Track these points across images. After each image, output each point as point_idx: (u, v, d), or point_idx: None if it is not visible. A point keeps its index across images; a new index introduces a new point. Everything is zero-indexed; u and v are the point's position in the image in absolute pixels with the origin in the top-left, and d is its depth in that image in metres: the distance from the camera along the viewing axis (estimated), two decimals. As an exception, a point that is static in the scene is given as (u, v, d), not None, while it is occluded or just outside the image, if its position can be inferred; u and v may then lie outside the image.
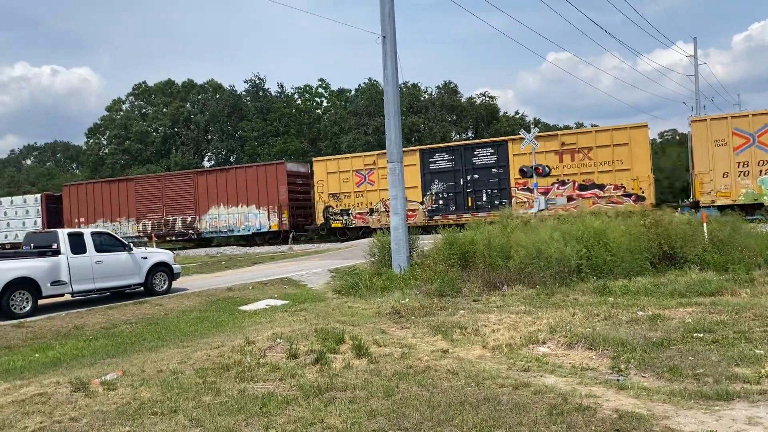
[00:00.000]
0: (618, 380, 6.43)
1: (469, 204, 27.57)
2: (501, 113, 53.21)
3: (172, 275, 15.93)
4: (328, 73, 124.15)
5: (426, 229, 24.03)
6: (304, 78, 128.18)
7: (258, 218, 31.82)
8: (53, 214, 37.49)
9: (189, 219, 33.67)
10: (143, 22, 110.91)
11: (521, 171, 23.39)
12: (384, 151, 27.61)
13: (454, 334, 9.02)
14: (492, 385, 6.35)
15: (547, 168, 22.89)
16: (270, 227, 31.48)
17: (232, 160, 52.55)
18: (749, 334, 7.59)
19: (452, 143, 30.17)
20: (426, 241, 17.31)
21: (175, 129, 54.70)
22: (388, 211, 26.63)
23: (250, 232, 32.12)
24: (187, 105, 55.75)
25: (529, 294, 12.04)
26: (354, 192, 29.76)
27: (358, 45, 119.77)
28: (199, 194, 33.29)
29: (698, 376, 6.21)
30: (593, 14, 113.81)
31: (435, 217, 27.91)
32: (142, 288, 15.34)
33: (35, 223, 37.61)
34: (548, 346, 8.06)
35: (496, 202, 26.59)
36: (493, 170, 27.16)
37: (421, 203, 28.37)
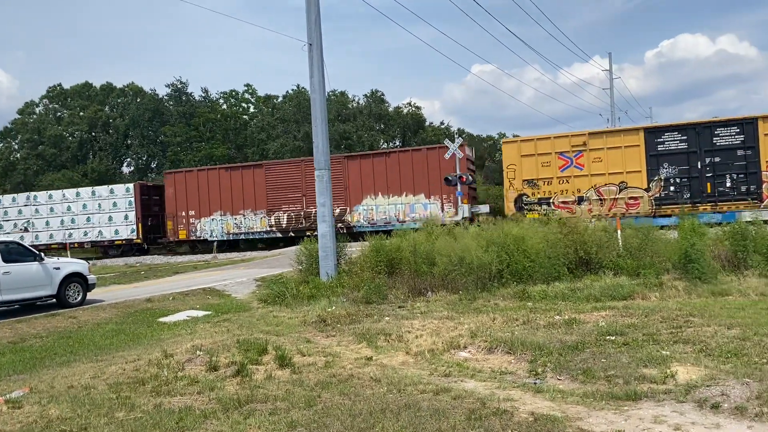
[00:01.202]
0: (535, 383, 6.62)
1: (708, 190, 23.93)
2: (427, 123, 54.01)
3: (87, 286, 15.24)
4: (255, 79, 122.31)
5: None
6: (229, 83, 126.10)
7: (428, 209, 27.23)
8: (148, 207, 32.51)
9: (337, 211, 27.75)
10: (59, 21, 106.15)
11: (446, 180, 23.78)
12: (597, 130, 26.03)
13: (378, 341, 9.05)
14: (413, 392, 6.41)
15: (470, 177, 23.35)
16: (445, 219, 26.95)
17: (153, 166, 50.95)
18: (657, 336, 7.97)
19: (684, 122, 25.26)
20: (354, 249, 17.32)
21: (93, 134, 52.54)
22: (601, 199, 24.77)
23: (417, 226, 29.35)
24: (106, 109, 53.67)
25: (452, 299, 12.25)
26: (557, 177, 25.67)
27: (286, 51, 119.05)
28: (351, 182, 28.57)
29: (610, 378, 6.46)
30: (516, 28, 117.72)
31: (664, 206, 24.34)
32: (54, 300, 14.59)
33: (126, 217, 31.96)
34: (469, 351, 8.22)
35: (743, 189, 23.43)
36: (738, 152, 23.60)
37: (646, 190, 24.64)
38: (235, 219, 30.25)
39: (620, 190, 24.75)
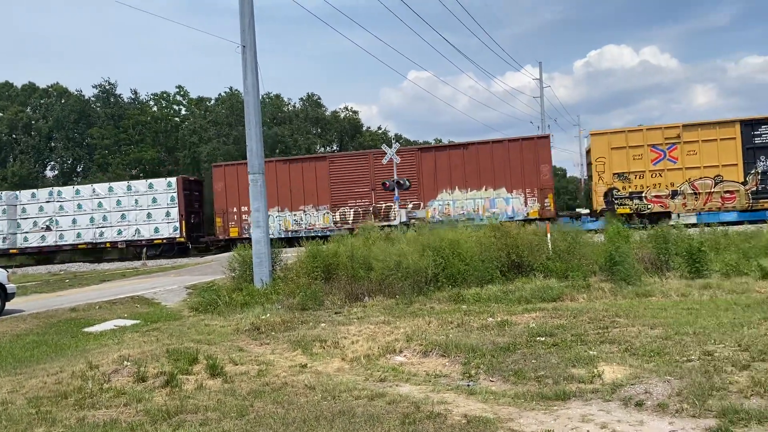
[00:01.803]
0: (468, 386, 6.70)
1: None
2: (365, 128, 54.14)
3: (6, 296, 14.47)
4: (187, 81, 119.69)
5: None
6: (160, 85, 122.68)
7: (510, 203, 26.31)
8: (190, 203, 30.33)
9: (410, 206, 27.15)
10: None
11: (383, 185, 23.86)
12: (692, 122, 25.38)
13: (314, 347, 8.97)
14: (348, 398, 6.36)
15: (407, 182, 23.52)
16: (528, 214, 26.10)
17: (79, 169, 48.93)
18: (585, 337, 8.21)
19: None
20: (289, 254, 17.13)
21: (13, 136, 50.00)
22: (696, 193, 24.35)
23: (498, 221, 27.63)
24: (28, 110, 51.20)
25: (389, 304, 12.28)
26: (649, 171, 25.06)
27: (219, 53, 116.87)
28: (424, 176, 27.27)
29: (540, 378, 6.61)
30: (451, 36, 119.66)
31: (761, 200, 24.08)
32: (-32, 311, 13.79)
33: (167, 214, 29.31)
34: (405, 355, 8.24)
35: None
36: None
37: (743, 183, 24.40)
38: (294, 215, 28.45)
39: (716, 184, 24.71)
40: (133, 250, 30.59)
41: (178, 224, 29.40)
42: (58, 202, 30.80)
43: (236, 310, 12.94)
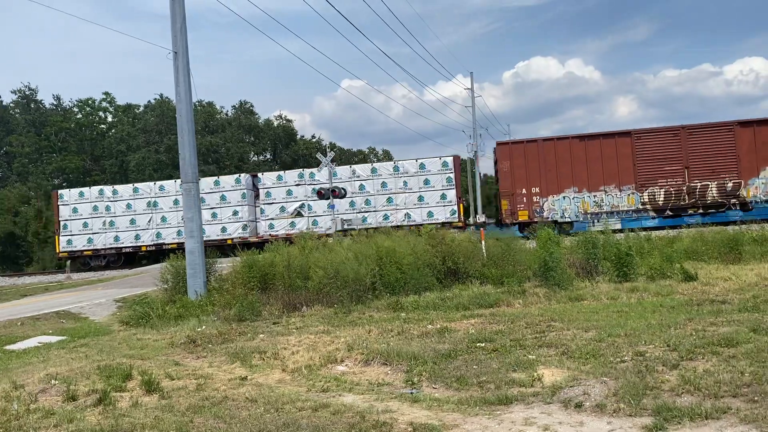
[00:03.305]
0: (412, 393, 6.72)
1: None
2: (299, 136, 53.77)
3: None
4: (114, 88, 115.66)
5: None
6: (85, 91, 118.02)
7: None
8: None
9: (729, 185, 24.75)
10: None
11: (318, 193, 23.76)
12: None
13: (253, 359, 8.79)
14: (292, 410, 6.26)
15: (343, 190, 23.50)
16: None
17: (-3, 178, 46.55)
18: (523, 342, 8.39)
19: None
20: (224, 265, 16.77)
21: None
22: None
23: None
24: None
25: (328, 313, 12.20)
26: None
27: (149, 59, 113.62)
28: (743, 151, 24.98)
29: (482, 384, 6.70)
30: (384, 46, 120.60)
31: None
32: None
33: (443, 196, 26.41)
34: (346, 365, 8.19)
35: None
36: None
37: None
38: (594, 196, 25.82)
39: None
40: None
41: (456, 207, 26.77)
42: (310, 185, 28.04)
43: (170, 323, 12.55)
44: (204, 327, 11.46)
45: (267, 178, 28.12)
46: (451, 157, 26.98)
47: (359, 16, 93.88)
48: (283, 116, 52.94)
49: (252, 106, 51.47)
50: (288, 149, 49.84)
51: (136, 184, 29.46)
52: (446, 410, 6.00)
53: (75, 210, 28.83)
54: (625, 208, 25.43)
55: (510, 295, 12.40)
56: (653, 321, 8.90)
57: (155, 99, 48.13)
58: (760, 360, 6.29)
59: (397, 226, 25.07)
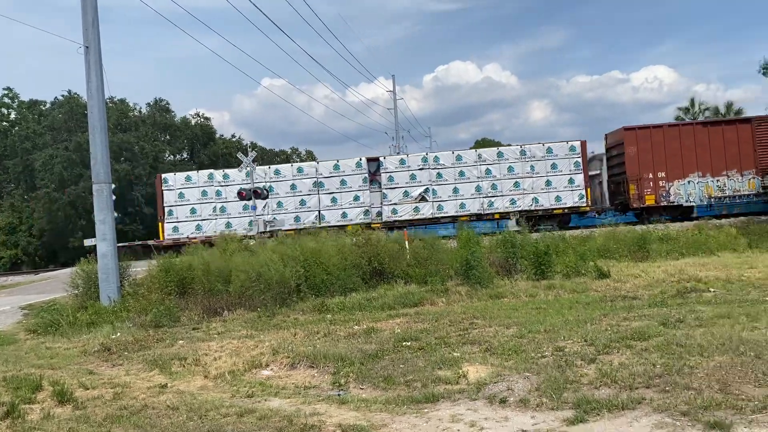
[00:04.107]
0: (339, 395, 6.68)
1: None
2: (218, 135, 52.47)
3: None
4: (18, 83, 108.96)
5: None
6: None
7: None
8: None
9: None
10: None
11: (239, 194, 23.29)
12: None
13: (173, 366, 8.51)
14: (216, 416, 6.09)
15: (265, 191, 23.13)
16: None
17: None
18: (448, 339, 8.51)
19: None
20: (139, 269, 16.12)
21: None
22: None
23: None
24: None
25: (250, 317, 11.97)
26: None
27: (57, 53, 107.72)
28: None
29: (409, 383, 6.74)
30: (306, 45, 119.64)
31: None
32: None
33: (571, 181, 25.89)
34: (272, 369, 8.06)
35: None
36: None
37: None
38: (717, 181, 25.86)
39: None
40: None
41: (583, 191, 26.43)
42: (434, 169, 26.81)
43: (82, 330, 11.96)
44: (119, 334, 10.98)
45: (389, 162, 27.50)
46: (579, 142, 26.99)
47: (280, 14, 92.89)
48: (200, 114, 51.52)
49: (168, 103, 49.78)
50: (206, 149, 48.50)
51: (248, 168, 28.01)
52: (374, 410, 5.99)
53: (181, 195, 26.97)
54: (746, 192, 26.00)
55: (434, 293, 12.57)
56: (570, 317, 9.23)
57: (63, 95, 45.70)
58: (670, 352, 6.64)
59: (522, 211, 25.89)
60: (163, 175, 27.25)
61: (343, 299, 12.59)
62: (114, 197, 15.71)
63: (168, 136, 48.60)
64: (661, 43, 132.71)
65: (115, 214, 15.87)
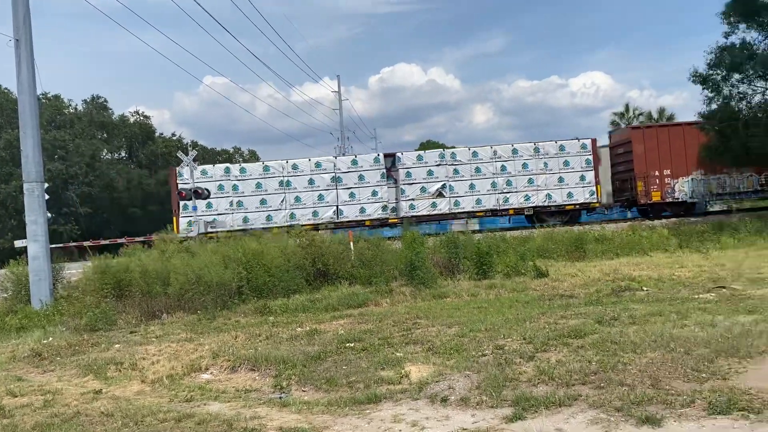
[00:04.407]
0: (281, 398, 6.61)
1: None
2: (157, 134, 51.12)
3: None
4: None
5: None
6: None
7: None
8: None
9: None
10: None
11: (179, 193, 22.77)
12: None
13: (108, 371, 8.26)
14: (153, 422, 5.93)
15: (206, 191, 22.69)
16: None
17: None
18: (391, 340, 8.54)
19: None
20: (74, 271, 15.56)
21: None
22: None
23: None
24: None
25: (190, 320, 11.74)
26: None
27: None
28: None
29: (351, 384, 6.73)
30: (249, 43, 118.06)
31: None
32: None
33: (582, 178, 26.55)
34: (212, 372, 7.91)
35: None
36: None
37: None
38: (719, 178, 26.52)
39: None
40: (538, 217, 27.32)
41: (594, 188, 27.12)
42: (451, 165, 26.77)
43: (11, 335, 11.52)
44: (51, 338, 10.59)
45: (407, 157, 27.34)
46: (590, 140, 27.52)
47: (223, 12, 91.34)
48: (140, 112, 50.08)
49: (106, 101, 48.17)
50: (145, 147, 47.18)
51: (266, 162, 27.21)
52: (316, 412, 5.96)
53: None
54: (745, 190, 27.06)
55: (378, 294, 12.61)
56: (510, 316, 9.41)
57: (-9, 89, 43.64)
58: (605, 349, 6.85)
59: (535, 207, 26.81)
60: (177, 169, 26.30)
61: (286, 301, 12.48)
62: (47, 197, 15.13)
63: (105, 134, 47.05)
64: (598, 50, 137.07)
65: (48, 215, 15.30)
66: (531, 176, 27.05)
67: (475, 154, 27.16)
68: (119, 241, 25.10)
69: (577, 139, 27.70)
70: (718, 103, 23.42)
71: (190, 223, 25.21)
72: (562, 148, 27.21)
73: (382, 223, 26.40)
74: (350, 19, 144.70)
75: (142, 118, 49.67)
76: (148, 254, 15.40)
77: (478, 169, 27.06)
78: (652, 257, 15.75)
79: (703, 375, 5.76)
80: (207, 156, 48.95)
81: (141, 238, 23.49)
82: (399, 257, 14.76)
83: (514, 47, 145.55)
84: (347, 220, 25.80)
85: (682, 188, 27.01)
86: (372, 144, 77.59)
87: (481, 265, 14.35)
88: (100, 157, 43.10)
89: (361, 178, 26.60)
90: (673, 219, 24.17)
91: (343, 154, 40.78)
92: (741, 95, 23.38)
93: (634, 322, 8.08)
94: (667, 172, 26.85)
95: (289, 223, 25.12)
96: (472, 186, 26.84)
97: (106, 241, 25.92)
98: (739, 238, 17.50)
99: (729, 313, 8.25)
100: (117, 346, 9.85)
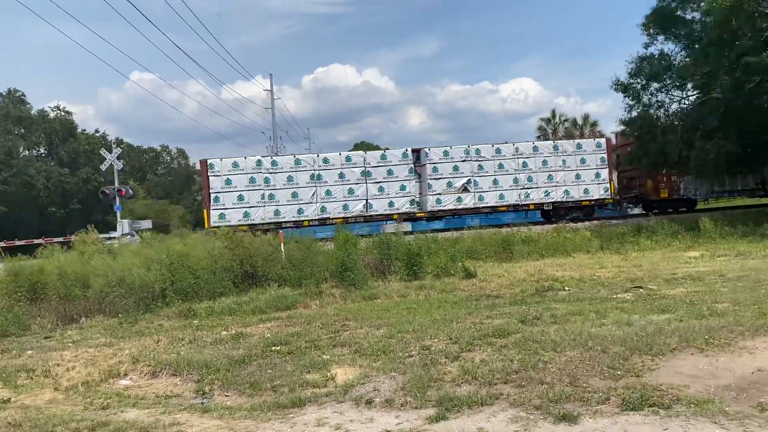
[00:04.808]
0: (202, 403, 6.43)
1: None
2: (80, 130, 49.07)
3: None
4: None
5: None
6: None
7: None
8: None
9: None
10: None
11: (102, 192, 21.93)
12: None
13: (18, 379, 7.84)
14: (64, 431, 5.64)
15: (131, 191, 21.94)
16: None
17: None
18: (318, 342, 8.47)
19: None
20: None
21: None
22: None
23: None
24: None
25: (111, 324, 11.31)
26: None
27: None
28: None
29: (276, 388, 6.61)
30: (178, 39, 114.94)
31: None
32: None
33: (597, 175, 27.25)
34: (131, 378, 7.62)
35: None
36: None
37: None
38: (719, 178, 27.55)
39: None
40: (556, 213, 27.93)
41: (608, 185, 27.97)
42: (476, 161, 27.09)
43: None
44: (-44, 346, 9.92)
45: (434, 153, 27.34)
46: (604, 139, 28.63)
47: (150, 6, 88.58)
48: (61, 107, 47.92)
49: (24, 95, 45.89)
50: (66, 144, 45.17)
51: (297, 156, 26.90)
52: (238, 418, 5.82)
53: (228, 181, 25.31)
54: (739, 188, 29.08)
55: (307, 296, 12.49)
56: (438, 316, 9.50)
57: None
58: (527, 348, 7.00)
59: (558, 202, 27.75)
60: (209, 161, 25.90)
61: (212, 304, 12.18)
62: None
63: (22, 130, 44.80)
64: (528, 56, 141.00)
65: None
66: (550, 173, 27.89)
67: (498, 150, 27.90)
68: (36, 241, 23.91)
69: (593, 138, 29.37)
70: (638, 110, 24.50)
71: (221, 216, 25.33)
72: (579, 146, 28.32)
73: (410, 217, 26.80)
74: (285, 17, 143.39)
75: (63, 113, 47.55)
76: (66, 255, 14.74)
77: (501, 165, 27.78)
78: (575, 258, 16.28)
79: (618, 372, 5.96)
80: (133, 154, 47.33)
81: (60, 239, 22.47)
82: (330, 258, 14.68)
83: (448, 52, 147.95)
84: (376, 213, 26.36)
85: (688, 186, 28.63)
86: (305, 144, 77.11)
87: (411, 266, 14.45)
88: (16, 154, 41.02)
89: (389, 172, 26.98)
90: (596, 221, 25.09)
91: (276, 154, 40.30)
92: (659, 103, 24.56)
93: (555, 322, 8.31)
94: (673, 170, 27.85)
95: (320, 217, 25.90)
96: (495, 181, 27.66)
97: (22, 242, 24.70)
98: (656, 239, 18.32)
99: (644, 312, 8.60)
100: (29, 352, 9.38)
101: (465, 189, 27.30)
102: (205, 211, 25.85)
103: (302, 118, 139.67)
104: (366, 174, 26.51)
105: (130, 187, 22.65)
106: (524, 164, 27.89)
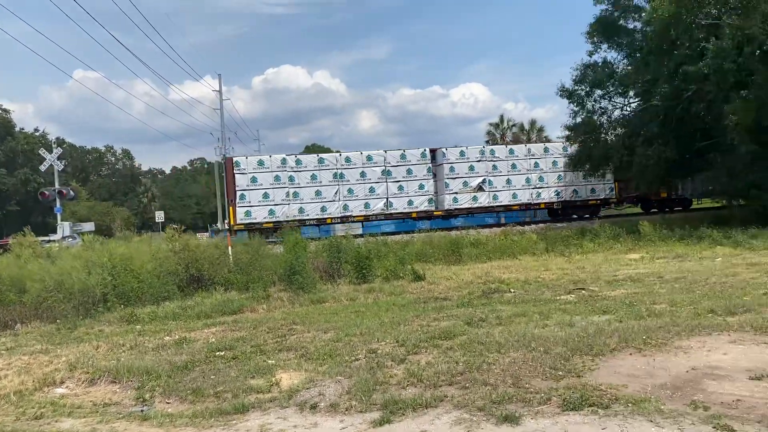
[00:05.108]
0: (142, 411, 6.25)
1: None
2: (18, 129, 47.24)
3: None
4: None
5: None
6: None
7: None
8: None
9: None
10: None
11: (41, 194, 21.16)
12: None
13: (-56, 390, 7.42)
14: (-7, 445, 5.40)
15: (72, 192, 21.25)
16: None
17: None
18: (264, 347, 8.35)
19: None
20: None
21: None
22: None
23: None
24: None
25: (48, 330, 10.91)
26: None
27: None
28: None
29: (219, 394, 6.48)
30: (123, 37, 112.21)
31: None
32: None
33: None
34: (67, 386, 7.35)
35: None
36: None
37: None
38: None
39: None
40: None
41: (612, 185, 29.10)
42: (490, 161, 28.02)
43: None
44: None
45: (451, 153, 27.79)
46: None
47: (94, 3, 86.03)
48: (-1, 105, 46.09)
49: (-43, 91, 44.04)
50: (3, 143, 43.43)
51: (320, 155, 27.37)
52: (179, 425, 5.68)
53: (254, 179, 25.32)
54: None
55: (255, 300, 12.33)
56: (386, 319, 9.50)
57: None
58: (472, 350, 7.06)
59: (567, 201, 28.86)
60: (235, 158, 25.95)
61: (156, 308, 11.90)
62: None
63: (-44, 128, 42.86)
64: (478, 62, 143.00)
65: None
66: (560, 173, 28.88)
67: (511, 151, 28.95)
68: (-30, 245, 22.87)
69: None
70: (583, 116, 25.13)
71: (247, 213, 25.37)
72: (546, 150, 29.34)
73: (428, 215, 27.20)
74: (234, 17, 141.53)
75: (0, 111, 45.69)
76: (2, 259, 14.17)
77: (514, 166, 28.57)
78: (521, 260, 16.56)
79: (560, 373, 6.07)
80: (75, 154, 45.93)
81: (-5, 242, 21.55)
82: (279, 262, 14.53)
83: (399, 55, 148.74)
84: (397, 212, 26.96)
85: (685, 186, 29.75)
86: (255, 146, 76.26)
87: (361, 269, 14.43)
88: (-51, 153, 39.19)
89: (409, 171, 27.52)
90: (541, 225, 25.61)
91: (224, 156, 39.70)
92: (602, 110, 25.26)
93: (500, 323, 8.42)
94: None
95: (342, 215, 26.18)
96: (508, 181, 28.52)
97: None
98: (599, 242, 18.80)
99: (586, 313, 8.80)
100: (-42, 361, 8.92)
101: (480, 188, 28.10)
102: (230, 209, 25.89)
103: (252, 120, 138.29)
104: (386, 173, 27.07)
105: (72, 188, 21.94)
106: (536, 164, 28.78)
